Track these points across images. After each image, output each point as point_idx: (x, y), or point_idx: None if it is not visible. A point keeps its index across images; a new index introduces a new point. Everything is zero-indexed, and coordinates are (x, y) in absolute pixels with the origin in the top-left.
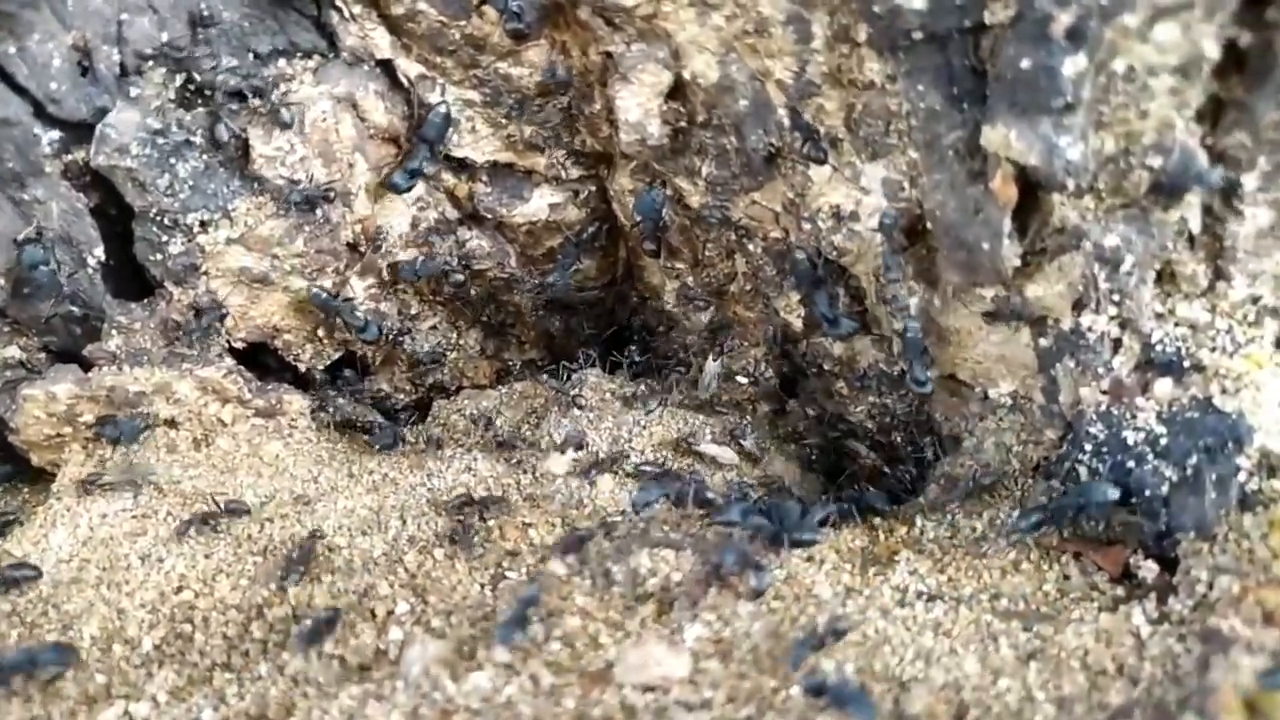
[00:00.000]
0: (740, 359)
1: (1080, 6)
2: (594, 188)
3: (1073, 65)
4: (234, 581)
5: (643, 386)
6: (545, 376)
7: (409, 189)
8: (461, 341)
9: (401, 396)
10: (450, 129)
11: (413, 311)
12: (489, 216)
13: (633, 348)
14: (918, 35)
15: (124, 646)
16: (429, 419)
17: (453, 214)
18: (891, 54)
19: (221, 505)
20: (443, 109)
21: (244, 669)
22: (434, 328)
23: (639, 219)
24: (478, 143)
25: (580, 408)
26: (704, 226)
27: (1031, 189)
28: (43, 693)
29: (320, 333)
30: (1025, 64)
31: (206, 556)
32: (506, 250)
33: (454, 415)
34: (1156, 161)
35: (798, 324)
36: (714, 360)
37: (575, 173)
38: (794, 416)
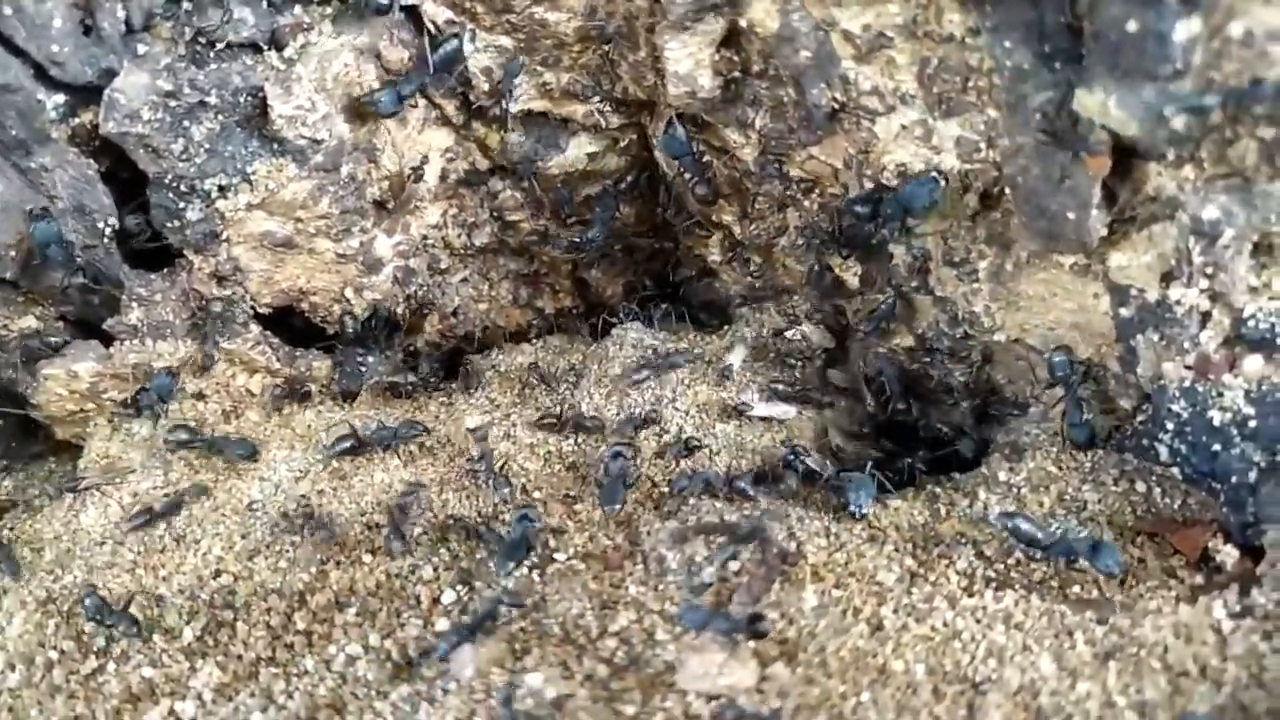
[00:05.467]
0: (786, 315)
1: None
2: (634, 135)
3: (1185, 29)
4: (273, 563)
5: (683, 342)
6: (584, 331)
7: (392, 114)
8: (493, 293)
9: (432, 349)
10: (459, 65)
11: (443, 266)
12: (522, 168)
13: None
14: None
15: (164, 637)
16: (461, 373)
17: (483, 164)
18: (977, 6)
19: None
20: (454, 42)
21: (289, 663)
22: (465, 280)
23: (675, 162)
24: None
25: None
26: (755, 179)
27: (1125, 156)
28: (85, 688)
29: (348, 293)
30: (1131, 26)
31: (243, 536)
32: (540, 200)
33: (487, 371)
34: (1269, 133)
35: (853, 281)
36: (740, 344)
37: (615, 121)
38: (844, 375)
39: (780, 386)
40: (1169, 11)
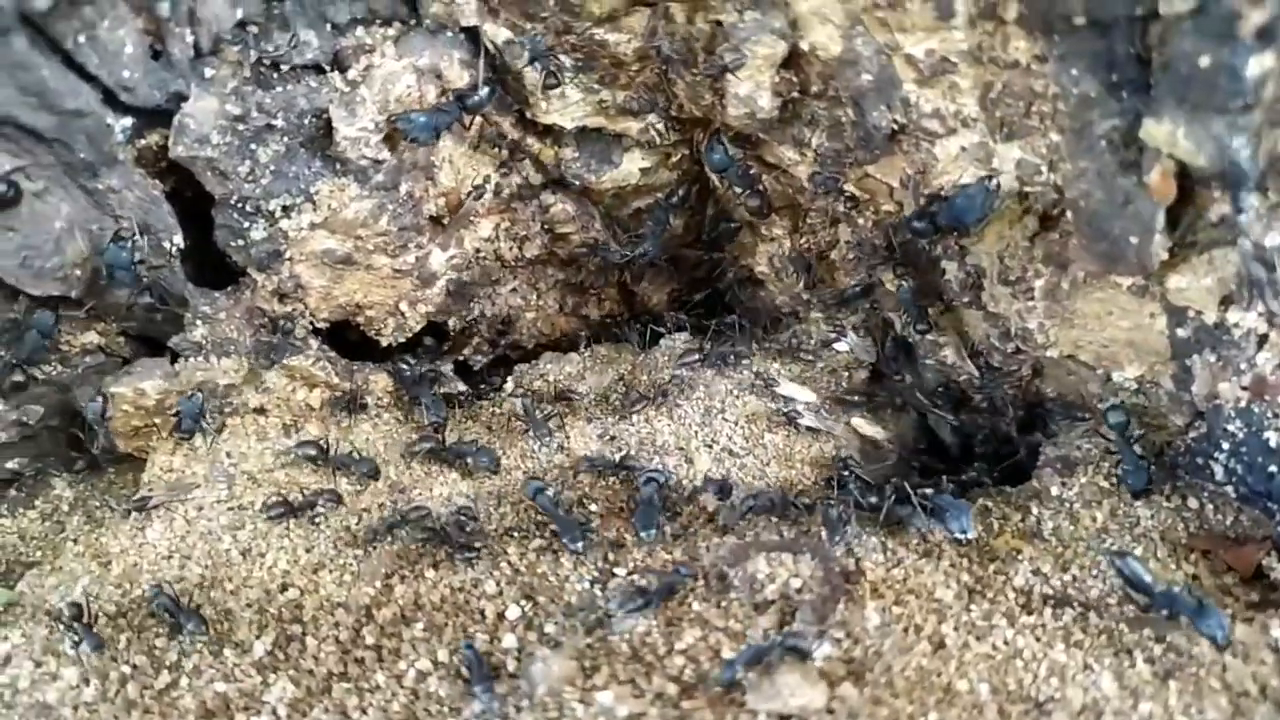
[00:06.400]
0: (835, 326)
1: (1276, 4)
2: (686, 150)
3: (1258, 65)
4: (337, 577)
5: (731, 352)
6: (632, 339)
7: (418, 141)
8: (540, 302)
9: (480, 358)
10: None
11: (494, 277)
12: (575, 183)
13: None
14: (1079, 20)
15: (235, 651)
16: (510, 384)
17: (536, 179)
18: (1045, 35)
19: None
20: (485, 90)
21: (360, 678)
22: (514, 290)
23: (719, 177)
24: (566, 108)
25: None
26: (808, 196)
27: (1189, 182)
28: (159, 703)
29: (403, 306)
30: (1204, 61)
31: (307, 550)
32: (591, 212)
33: (536, 381)
34: None
35: (905, 295)
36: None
37: (670, 138)
38: (892, 386)
39: (829, 398)
40: (1243, 48)
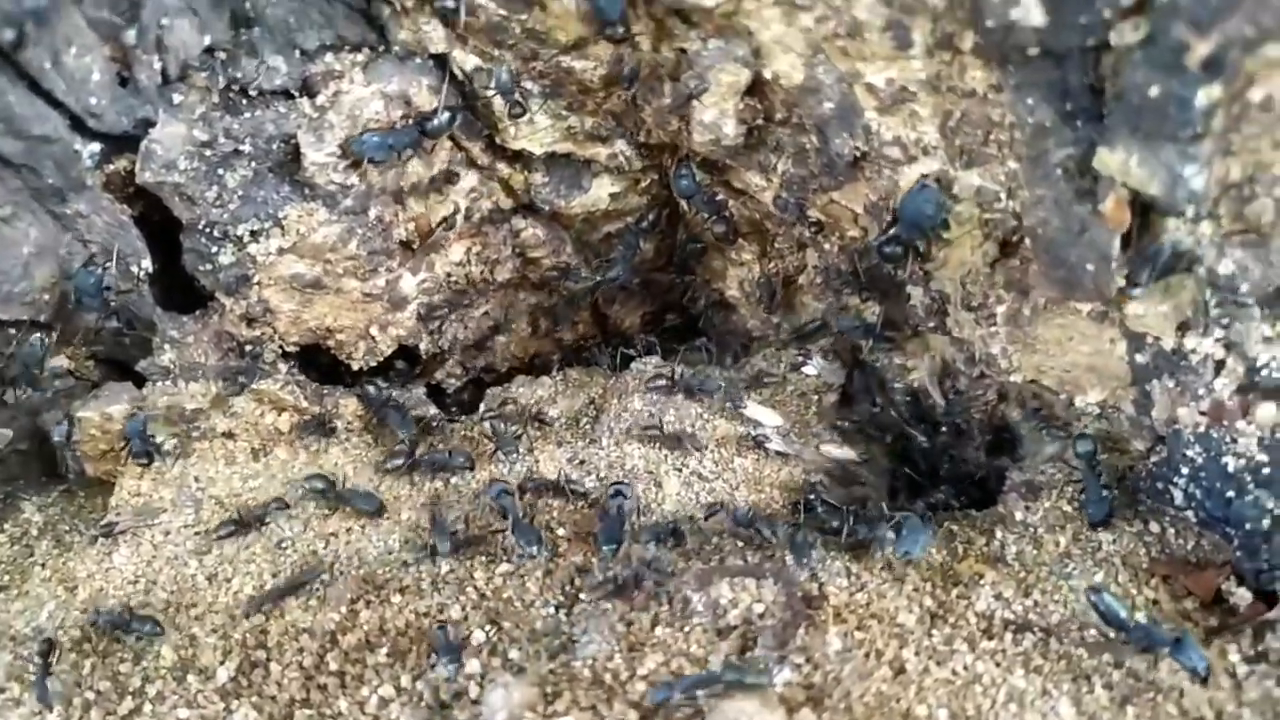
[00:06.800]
0: (803, 350)
1: (1221, 36)
2: (655, 175)
3: (1207, 95)
4: (303, 602)
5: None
6: (604, 363)
7: (376, 160)
8: (513, 325)
9: (452, 381)
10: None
11: (465, 301)
12: (545, 208)
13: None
14: (1033, 51)
15: (199, 677)
16: (482, 408)
17: (507, 203)
18: (1000, 66)
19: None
20: (446, 115)
21: (323, 704)
22: (486, 313)
23: (687, 203)
24: (535, 134)
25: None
26: (775, 221)
27: (1143, 210)
28: None
29: (373, 330)
30: (1154, 91)
31: (274, 575)
32: (562, 237)
33: (508, 405)
34: None
35: (871, 319)
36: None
37: (638, 163)
38: (860, 410)
39: (798, 421)
40: (1192, 78)
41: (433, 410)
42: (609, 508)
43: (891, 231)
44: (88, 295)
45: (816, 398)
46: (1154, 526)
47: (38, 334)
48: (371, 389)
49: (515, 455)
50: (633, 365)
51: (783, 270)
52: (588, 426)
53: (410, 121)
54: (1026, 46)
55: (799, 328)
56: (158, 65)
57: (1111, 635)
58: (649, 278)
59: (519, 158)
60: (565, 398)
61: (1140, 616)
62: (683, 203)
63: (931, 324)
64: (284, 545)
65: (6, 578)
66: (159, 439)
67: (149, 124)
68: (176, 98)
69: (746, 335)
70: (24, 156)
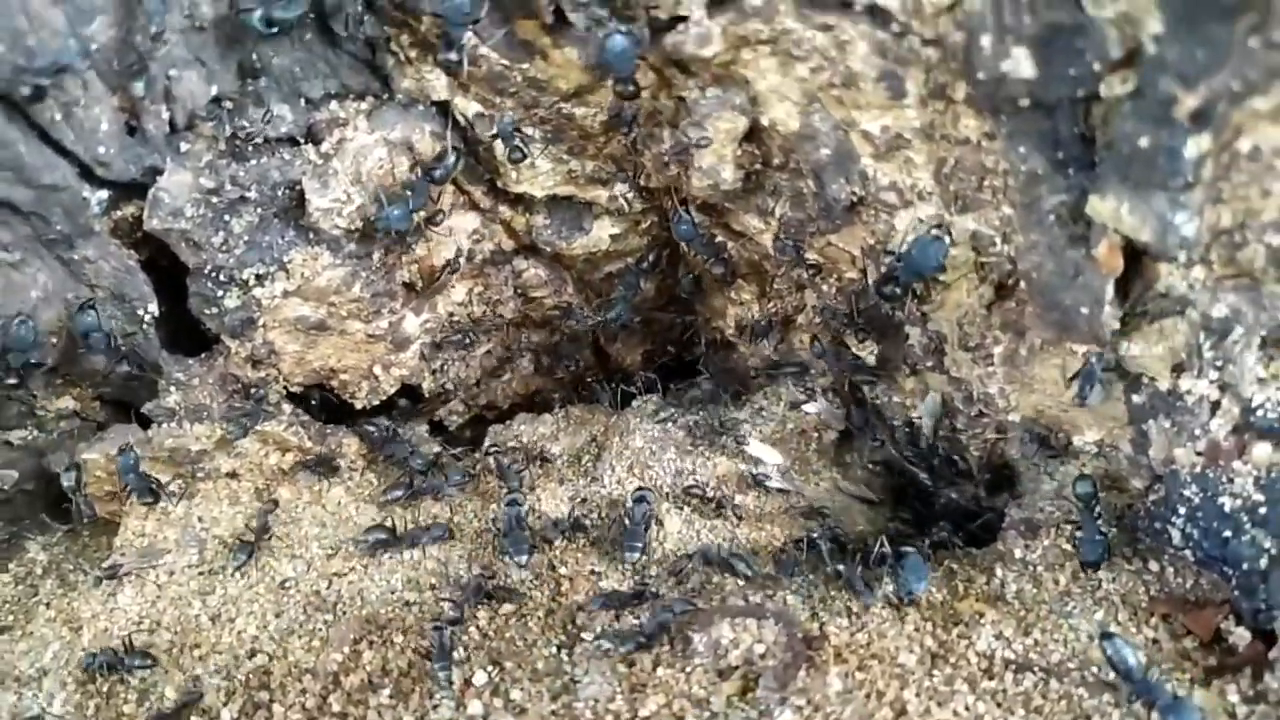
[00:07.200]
0: (805, 389)
1: (1209, 89)
2: (655, 216)
3: (1195, 146)
4: (306, 643)
5: (704, 414)
6: (605, 400)
7: (404, 230)
8: (514, 363)
9: (455, 418)
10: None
11: (467, 340)
12: (546, 249)
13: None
14: (1024, 102)
15: (201, 718)
16: (484, 445)
17: (509, 245)
18: (993, 115)
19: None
20: (451, 159)
21: None
22: (488, 352)
23: (686, 245)
24: (537, 178)
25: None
26: (774, 263)
27: (1136, 255)
28: None
29: (376, 370)
30: (1143, 142)
31: (277, 615)
32: (563, 277)
33: (510, 442)
34: (1276, 239)
35: (870, 359)
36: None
37: (638, 205)
38: (859, 448)
39: (798, 458)
40: (1181, 130)
41: (436, 448)
42: (633, 514)
43: (892, 273)
44: (94, 333)
45: (817, 435)
46: (1153, 565)
47: (20, 317)
48: (372, 428)
49: (519, 490)
50: (634, 403)
51: (782, 310)
52: (590, 464)
53: (417, 174)
54: (1018, 98)
55: (775, 364)
56: (165, 115)
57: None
58: (649, 316)
59: (521, 200)
60: (567, 435)
61: (1153, 673)
62: (682, 245)
63: (929, 363)
64: (287, 585)
65: (11, 618)
66: (164, 479)
67: (157, 172)
68: (184, 146)
69: (746, 373)
70: (34, 204)
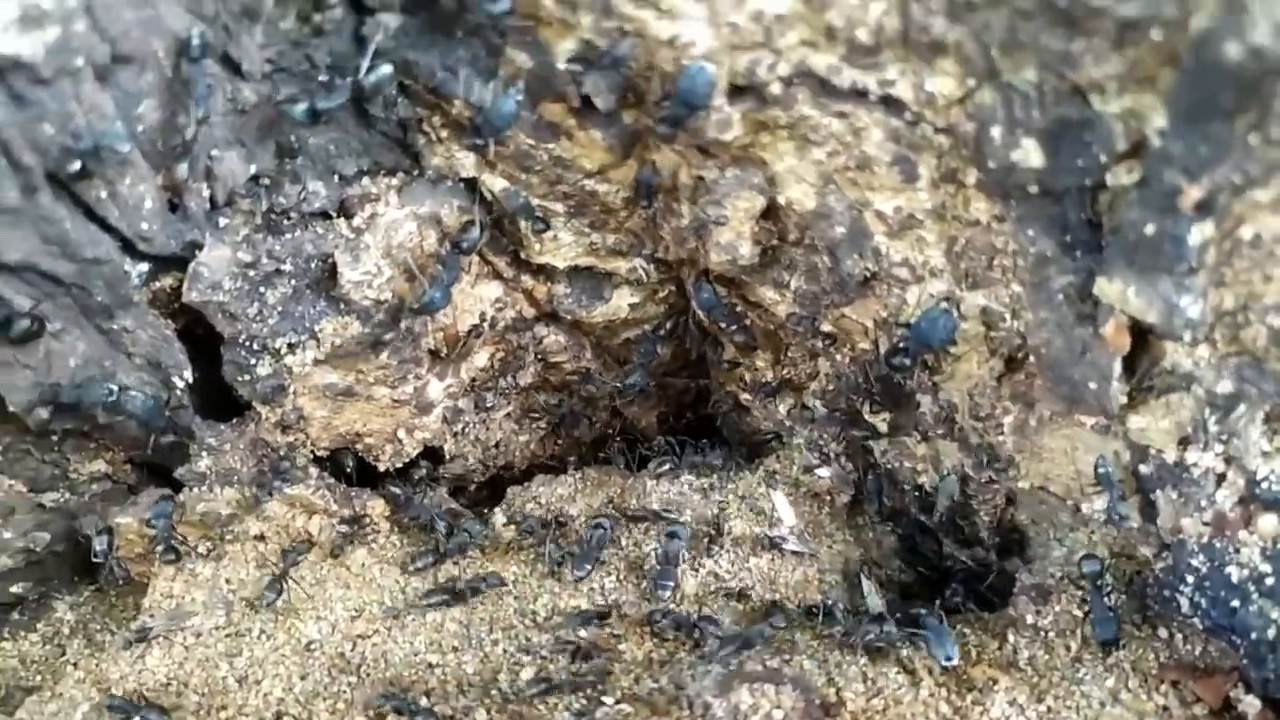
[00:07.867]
0: (818, 452)
1: (1211, 181)
2: (673, 286)
3: (1199, 234)
4: (331, 705)
5: (718, 477)
6: (620, 462)
7: (446, 304)
8: (533, 425)
9: (473, 479)
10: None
11: (488, 404)
12: (567, 316)
13: (705, 442)
14: (1033, 189)
15: None
16: (502, 506)
17: (529, 312)
18: (1002, 200)
19: None
20: (476, 231)
21: None
22: (508, 415)
23: (707, 314)
24: (559, 250)
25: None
26: (789, 332)
27: (1142, 333)
28: None
29: (400, 433)
30: (1149, 229)
31: (302, 678)
32: (582, 343)
33: (529, 504)
34: (1278, 321)
35: (882, 426)
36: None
37: (656, 276)
38: (872, 511)
39: (812, 521)
40: (1185, 219)
41: (456, 508)
42: (668, 550)
43: (901, 344)
44: (151, 418)
45: (829, 498)
46: (1162, 631)
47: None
48: (397, 491)
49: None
50: (650, 465)
51: (796, 376)
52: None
53: (447, 248)
54: (1027, 185)
55: (753, 431)
56: (206, 193)
57: None
58: (665, 380)
59: (542, 270)
60: (584, 496)
61: None
62: (702, 314)
63: (940, 431)
64: (312, 648)
65: (39, 678)
66: (193, 542)
67: (196, 246)
68: (223, 221)
69: (760, 436)
70: (75, 276)
